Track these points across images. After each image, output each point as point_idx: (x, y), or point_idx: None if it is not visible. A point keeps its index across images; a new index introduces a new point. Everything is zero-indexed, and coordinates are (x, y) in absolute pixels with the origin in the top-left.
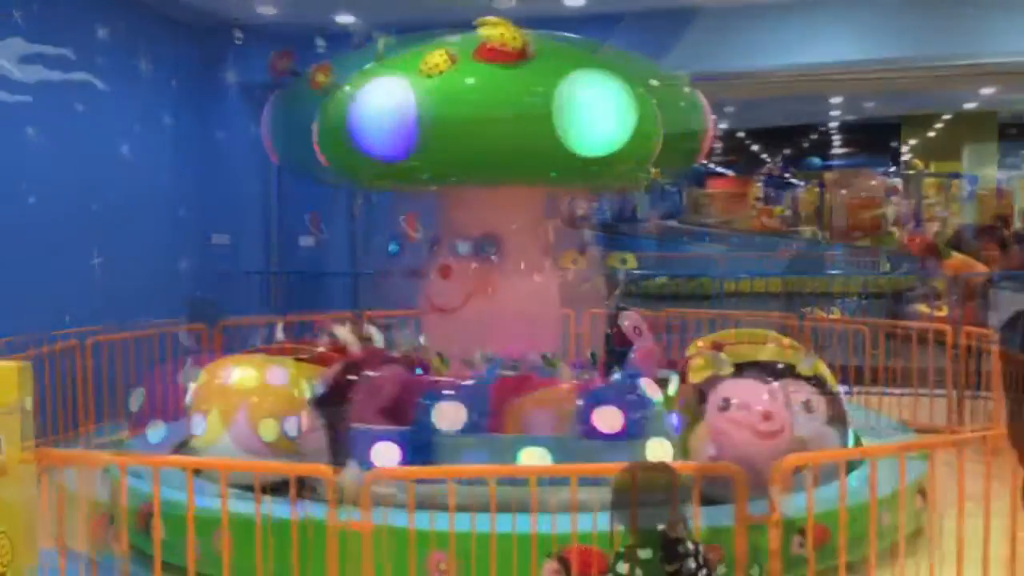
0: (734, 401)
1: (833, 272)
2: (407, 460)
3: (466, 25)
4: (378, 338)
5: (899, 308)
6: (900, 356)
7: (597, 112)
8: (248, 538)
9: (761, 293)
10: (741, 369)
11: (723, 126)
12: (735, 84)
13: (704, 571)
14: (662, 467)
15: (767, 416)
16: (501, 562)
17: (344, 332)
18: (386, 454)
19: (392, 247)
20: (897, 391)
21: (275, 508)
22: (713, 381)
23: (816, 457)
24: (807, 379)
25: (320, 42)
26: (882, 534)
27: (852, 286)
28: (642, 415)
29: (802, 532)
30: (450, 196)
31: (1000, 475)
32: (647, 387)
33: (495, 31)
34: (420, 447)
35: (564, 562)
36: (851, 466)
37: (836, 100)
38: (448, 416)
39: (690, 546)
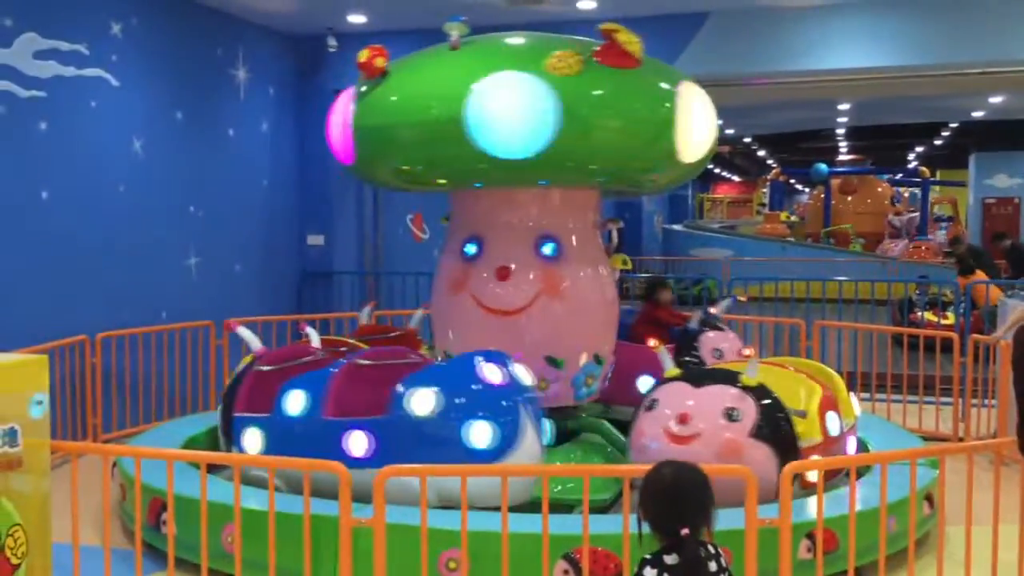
0: (659, 401)
1: (840, 278)
2: (270, 446)
3: (479, 28)
4: (314, 338)
5: (905, 315)
6: (907, 364)
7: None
8: (260, 533)
9: (771, 298)
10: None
11: (730, 131)
12: (744, 88)
13: (725, 574)
14: (692, 467)
15: (682, 419)
16: (512, 561)
17: (245, 332)
18: (251, 440)
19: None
20: (904, 398)
21: (288, 503)
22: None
23: (823, 464)
24: (749, 389)
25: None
26: (890, 540)
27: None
28: (465, 399)
29: (811, 537)
30: (497, 196)
31: (1009, 483)
32: (488, 371)
33: (628, 37)
34: (277, 433)
35: (574, 562)
36: (860, 472)
37: (844, 107)
38: (293, 402)
39: (711, 548)
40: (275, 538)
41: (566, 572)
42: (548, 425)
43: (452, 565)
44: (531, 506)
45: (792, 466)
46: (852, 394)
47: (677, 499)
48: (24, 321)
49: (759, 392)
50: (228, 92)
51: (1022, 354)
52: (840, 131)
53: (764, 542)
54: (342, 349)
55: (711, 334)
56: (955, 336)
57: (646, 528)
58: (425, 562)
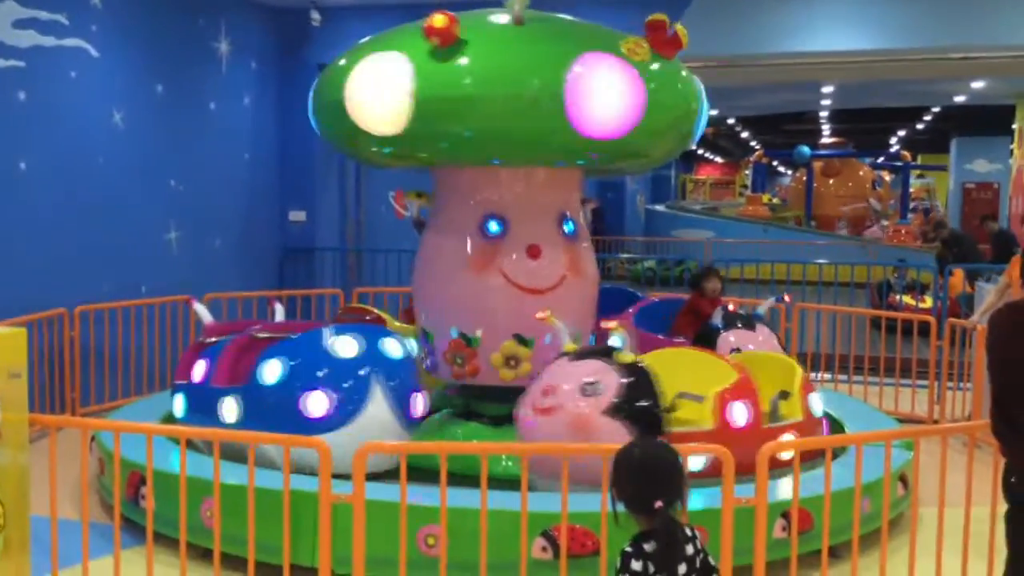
0: (540, 376)
1: (820, 261)
2: (189, 412)
3: (465, 5)
4: (279, 314)
5: (883, 298)
6: (885, 346)
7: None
8: (239, 508)
9: (752, 279)
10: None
11: (714, 113)
12: (729, 69)
13: (701, 555)
14: (661, 444)
15: (544, 391)
16: (491, 537)
17: (199, 307)
18: (177, 404)
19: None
20: (880, 380)
21: (267, 479)
22: None
23: (798, 444)
24: (618, 364)
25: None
26: (864, 520)
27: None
28: (306, 369)
29: (786, 516)
30: (519, 173)
31: (982, 465)
32: (338, 344)
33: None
34: (192, 400)
35: (552, 539)
36: (835, 453)
37: (828, 89)
38: (196, 371)
39: (687, 531)
40: (255, 513)
41: (544, 549)
42: (422, 398)
43: (431, 541)
44: (510, 483)
45: (768, 447)
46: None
47: (648, 475)
48: (1, 294)
49: (629, 369)
50: (210, 65)
51: (995, 338)
52: (823, 114)
53: (740, 521)
54: (367, 318)
55: (734, 332)
56: (932, 320)
57: (621, 507)
58: (404, 538)
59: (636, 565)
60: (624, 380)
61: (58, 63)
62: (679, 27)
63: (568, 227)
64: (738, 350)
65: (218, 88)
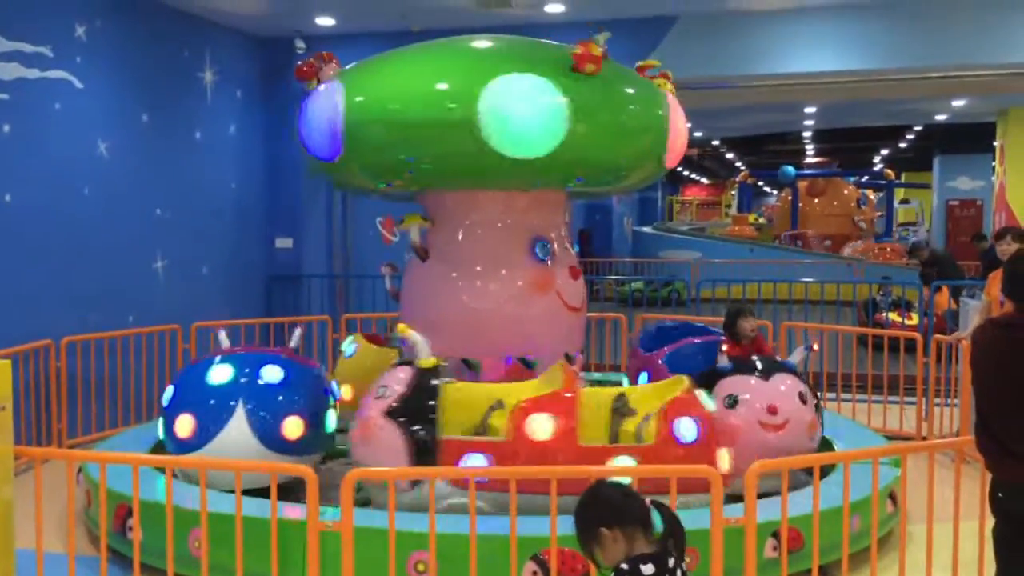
0: None
1: (806, 279)
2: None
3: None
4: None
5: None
6: (872, 364)
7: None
8: (227, 538)
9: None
10: None
11: (698, 134)
12: (712, 91)
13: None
14: (602, 482)
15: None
16: (481, 562)
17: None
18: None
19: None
20: (868, 398)
21: (255, 507)
22: None
23: (785, 463)
24: (416, 369)
25: None
26: (854, 539)
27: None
28: (183, 394)
29: (776, 536)
30: (552, 196)
31: (970, 480)
32: (215, 372)
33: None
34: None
35: (542, 563)
36: (824, 471)
37: (811, 110)
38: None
39: (669, 561)
40: (242, 543)
41: (535, 573)
42: (298, 421)
43: (421, 567)
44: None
45: (758, 465)
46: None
47: (627, 494)
48: None
49: (424, 373)
50: (195, 94)
51: (978, 355)
52: (807, 134)
53: (730, 541)
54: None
55: (735, 378)
56: (919, 336)
57: (605, 544)
58: (393, 565)
59: (647, 569)
60: (414, 384)
61: (42, 95)
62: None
63: (575, 247)
64: (733, 397)
65: (203, 117)
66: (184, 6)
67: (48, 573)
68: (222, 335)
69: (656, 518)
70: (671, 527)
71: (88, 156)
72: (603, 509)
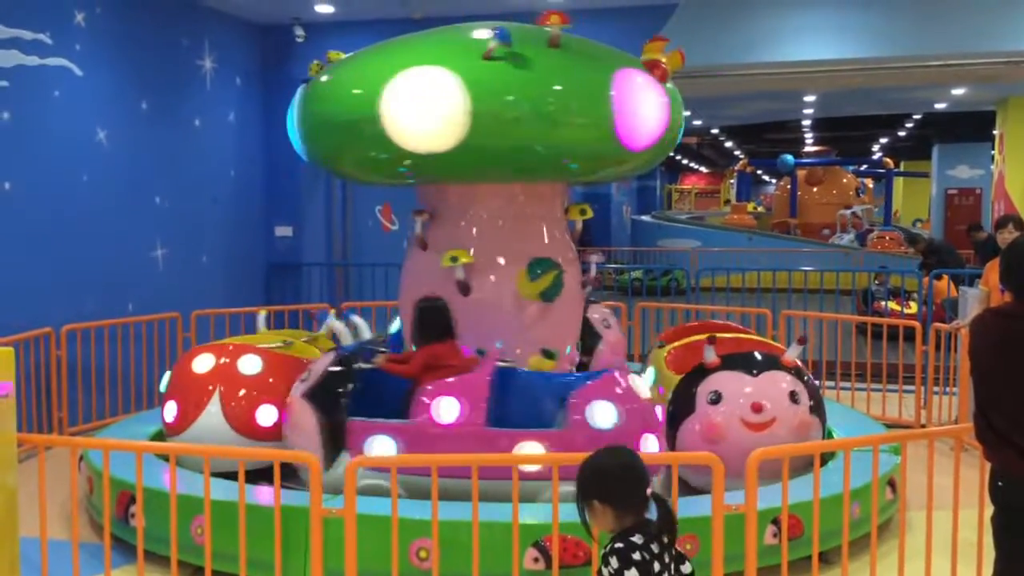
0: None
1: (805, 268)
2: None
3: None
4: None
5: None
6: (871, 352)
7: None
8: (230, 525)
9: (738, 288)
10: None
11: (697, 123)
12: (712, 79)
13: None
14: (615, 449)
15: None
16: (482, 549)
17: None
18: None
19: None
20: (867, 386)
21: (258, 494)
22: None
23: (788, 451)
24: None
25: None
26: (854, 526)
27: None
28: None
29: (776, 523)
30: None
31: (969, 468)
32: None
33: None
34: None
35: (544, 550)
36: (824, 458)
37: (810, 98)
38: None
39: (652, 529)
40: (245, 529)
41: (536, 560)
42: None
43: (423, 554)
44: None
45: (757, 453)
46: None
47: (631, 472)
48: None
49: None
50: (194, 82)
51: (976, 344)
52: (806, 122)
53: (730, 528)
54: None
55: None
56: (917, 325)
57: (596, 514)
58: (396, 551)
59: (636, 556)
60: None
61: (42, 82)
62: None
63: None
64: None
65: (203, 105)
66: (266, 6)
67: (52, 560)
68: (260, 317)
69: (652, 510)
70: (665, 522)
71: (87, 144)
72: (601, 484)
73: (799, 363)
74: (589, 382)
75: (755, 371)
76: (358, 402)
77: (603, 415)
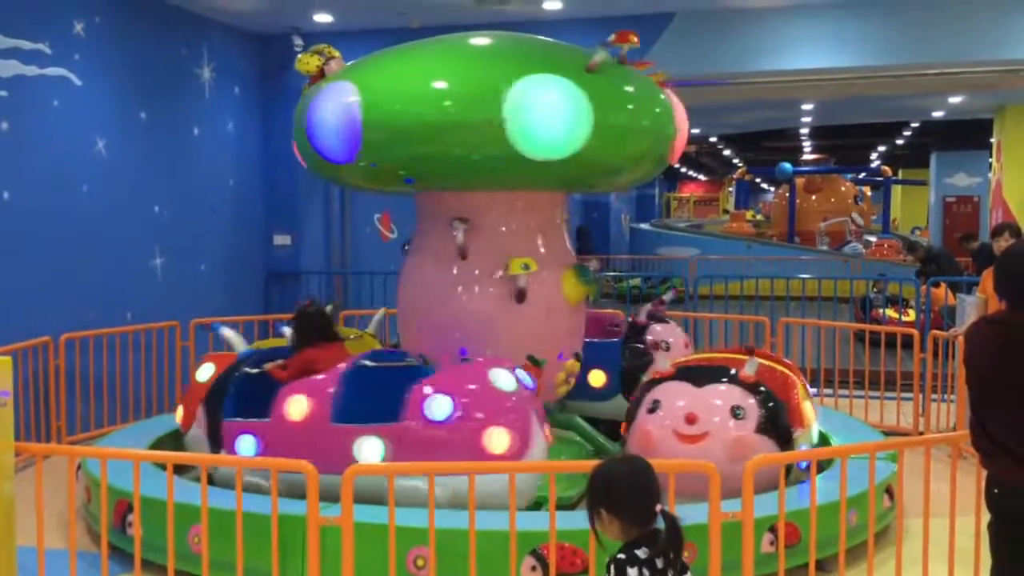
0: None
1: (803, 276)
2: None
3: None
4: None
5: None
6: (869, 360)
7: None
8: (227, 533)
9: (736, 296)
10: None
11: (696, 131)
12: (709, 88)
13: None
14: (632, 457)
15: None
16: (480, 557)
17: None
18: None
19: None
20: (865, 394)
21: (254, 503)
22: None
23: (783, 458)
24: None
25: None
26: (851, 533)
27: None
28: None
29: (773, 530)
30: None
31: (966, 475)
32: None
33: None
34: None
35: (541, 558)
36: (821, 466)
37: (808, 107)
38: None
39: (660, 543)
40: (243, 538)
41: (534, 568)
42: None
43: (420, 563)
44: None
45: (756, 460)
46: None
47: (643, 485)
48: None
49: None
50: (193, 91)
51: (972, 352)
52: (804, 131)
53: (727, 536)
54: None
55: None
56: (915, 333)
57: (603, 523)
58: (393, 560)
59: (632, 572)
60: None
61: (41, 92)
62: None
63: None
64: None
65: (201, 114)
66: (183, 3)
67: (49, 569)
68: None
69: (660, 524)
70: (672, 538)
71: (86, 153)
72: (610, 493)
73: (757, 379)
74: (432, 375)
75: (701, 383)
76: (240, 405)
77: (439, 407)
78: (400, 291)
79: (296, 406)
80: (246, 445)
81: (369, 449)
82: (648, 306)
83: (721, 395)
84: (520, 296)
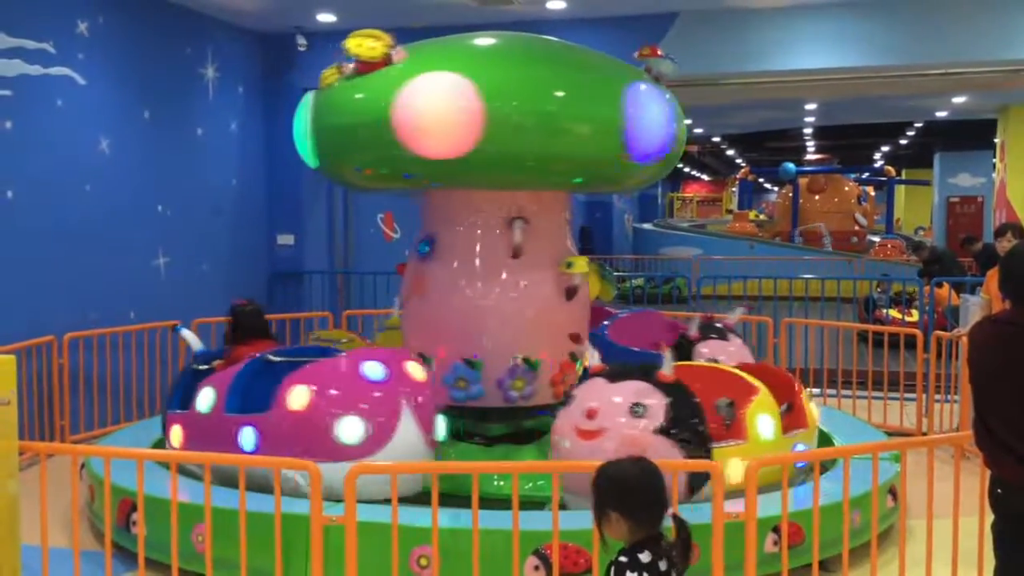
0: None
1: (806, 276)
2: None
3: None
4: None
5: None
6: (872, 360)
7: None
8: (231, 532)
9: (739, 296)
10: None
11: (699, 131)
12: (712, 88)
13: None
14: (641, 461)
15: None
16: (483, 557)
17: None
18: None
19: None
20: (869, 394)
21: (257, 502)
22: None
23: (786, 459)
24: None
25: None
26: (854, 534)
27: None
28: None
29: (776, 531)
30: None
31: (970, 476)
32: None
33: (353, 43)
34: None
35: (544, 558)
36: (824, 466)
37: (811, 107)
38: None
39: (663, 545)
40: (246, 537)
41: (536, 568)
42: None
43: (423, 562)
44: (502, 503)
45: (758, 460)
46: None
47: (656, 487)
48: None
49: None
50: (196, 91)
51: (975, 352)
52: (807, 131)
53: (730, 536)
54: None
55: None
56: (919, 333)
57: (611, 524)
58: (396, 559)
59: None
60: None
61: (45, 92)
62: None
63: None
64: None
65: (205, 113)
66: (186, 2)
67: (53, 568)
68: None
69: (669, 527)
70: (682, 542)
71: (90, 153)
72: (620, 494)
73: (675, 378)
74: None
75: (617, 379)
76: (178, 398)
77: (297, 397)
78: (413, 291)
79: (204, 398)
80: (175, 434)
81: (246, 439)
82: (698, 318)
83: (625, 391)
84: (571, 293)
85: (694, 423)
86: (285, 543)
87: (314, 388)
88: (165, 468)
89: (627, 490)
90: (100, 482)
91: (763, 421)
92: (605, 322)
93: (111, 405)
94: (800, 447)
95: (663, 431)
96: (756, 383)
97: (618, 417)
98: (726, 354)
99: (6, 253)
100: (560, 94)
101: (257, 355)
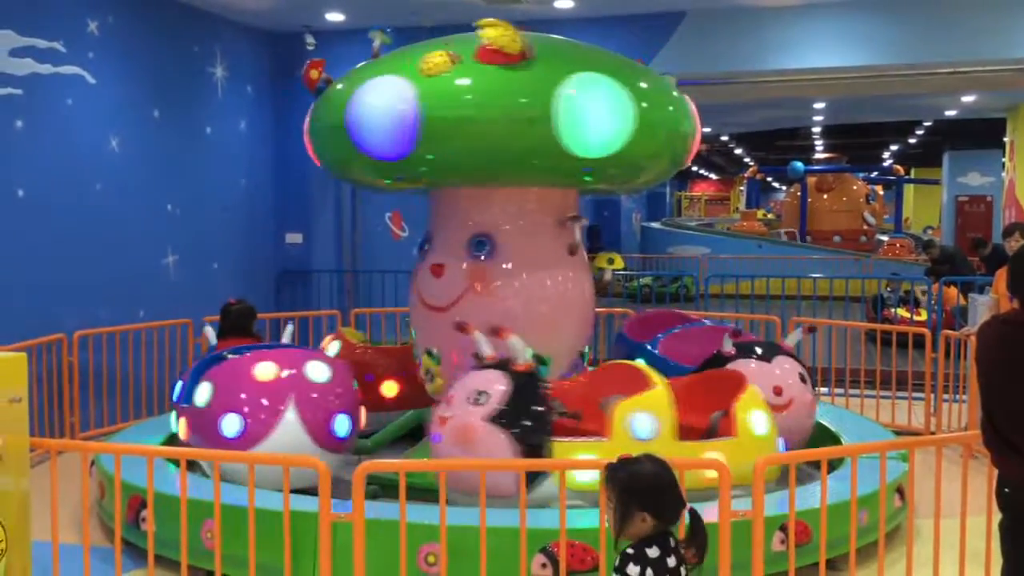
0: None
1: (815, 275)
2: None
3: (460, 27)
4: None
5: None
6: (881, 359)
7: (598, 114)
8: (240, 529)
9: (747, 295)
10: None
11: (707, 130)
12: (721, 87)
13: (684, 566)
14: (657, 459)
15: None
16: (490, 554)
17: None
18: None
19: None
20: (877, 393)
21: (267, 499)
22: None
23: (794, 457)
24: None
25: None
26: (862, 533)
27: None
28: None
29: (784, 529)
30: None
31: (978, 475)
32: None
33: (495, 32)
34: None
35: (551, 555)
36: (832, 465)
37: (820, 105)
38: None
39: (671, 541)
40: (255, 534)
41: (544, 565)
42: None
43: (431, 559)
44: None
45: (768, 458)
46: None
47: (674, 485)
48: (1, 320)
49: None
50: (206, 90)
51: (983, 351)
52: (816, 130)
53: (738, 534)
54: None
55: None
56: (927, 332)
57: (634, 522)
58: (404, 556)
59: (633, 571)
60: None
61: (55, 90)
62: (495, 32)
63: (478, 247)
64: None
65: (214, 112)
66: (195, 2)
67: (63, 564)
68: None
69: (687, 522)
70: (698, 536)
71: (100, 151)
72: (650, 494)
73: (529, 367)
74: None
75: (487, 368)
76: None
77: (200, 394)
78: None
79: (178, 389)
80: (181, 426)
81: (181, 428)
82: (730, 332)
83: (477, 379)
84: (603, 289)
85: (533, 413)
86: (294, 540)
87: (213, 385)
88: (175, 465)
89: (657, 489)
90: (110, 479)
91: (638, 419)
92: (659, 335)
93: (120, 402)
94: (711, 455)
95: (494, 419)
96: (657, 381)
97: (462, 405)
98: (759, 378)
99: (16, 251)
100: (487, 95)
101: (221, 351)
